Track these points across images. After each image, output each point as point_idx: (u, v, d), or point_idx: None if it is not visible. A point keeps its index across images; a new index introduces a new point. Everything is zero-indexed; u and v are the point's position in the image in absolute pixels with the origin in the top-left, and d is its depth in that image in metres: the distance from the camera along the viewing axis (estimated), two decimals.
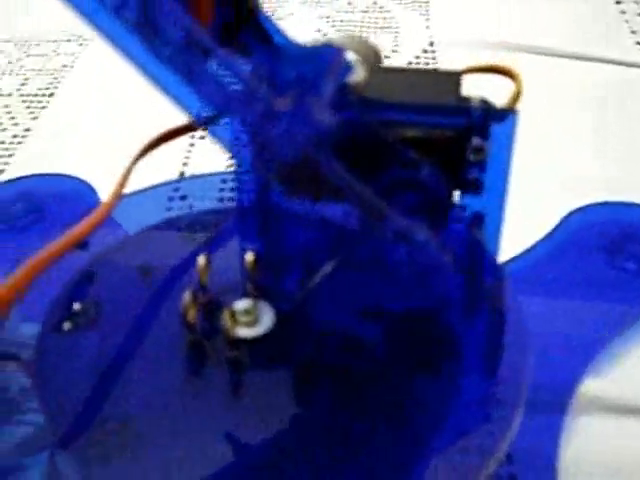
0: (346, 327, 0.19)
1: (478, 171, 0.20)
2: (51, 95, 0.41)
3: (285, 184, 0.18)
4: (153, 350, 0.19)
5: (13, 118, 0.39)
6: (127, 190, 0.20)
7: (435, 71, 0.22)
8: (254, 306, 0.20)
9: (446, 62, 0.41)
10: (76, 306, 0.20)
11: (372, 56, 0.19)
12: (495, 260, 0.20)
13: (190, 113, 0.16)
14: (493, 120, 0.19)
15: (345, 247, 0.18)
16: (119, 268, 0.21)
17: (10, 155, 0.36)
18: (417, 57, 0.42)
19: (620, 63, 0.41)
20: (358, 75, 0.18)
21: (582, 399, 0.26)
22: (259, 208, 0.20)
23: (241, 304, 0.20)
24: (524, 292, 0.30)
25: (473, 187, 0.20)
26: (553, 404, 0.26)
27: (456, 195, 0.20)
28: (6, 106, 0.40)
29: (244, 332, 0.19)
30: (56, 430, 0.18)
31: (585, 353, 0.27)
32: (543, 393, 0.26)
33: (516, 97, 0.24)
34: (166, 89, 0.16)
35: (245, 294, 0.20)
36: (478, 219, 0.20)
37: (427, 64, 0.40)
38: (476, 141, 0.19)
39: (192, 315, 0.19)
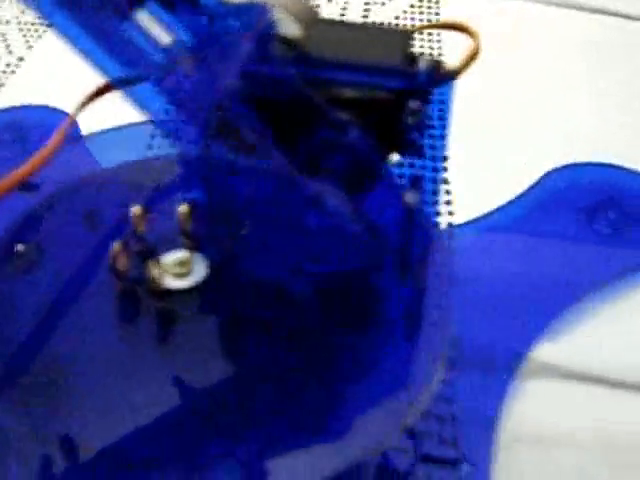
0: (276, 281, 0.20)
1: (416, 134, 0.20)
2: (49, 25, 0.41)
3: (214, 137, 0.18)
4: (87, 296, 0.20)
5: (8, 46, 0.39)
6: None
7: (385, 28, 0.22)
8: (186, 258, 0.20)
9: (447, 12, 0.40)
10: (19, 247, 0.21)
11: (306, 13, 0.19)
12: (427, 224, 0.20)
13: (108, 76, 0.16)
14: (434, 84, 0.19)
15: (272, 204, 0.18)
16: (64, 211, 0.22)
17: (1, 85, 0.37)
18: (412, 5, 0.40)
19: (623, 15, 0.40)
20: (293, 31, 0.18)
21: (533, 364, 0.26)
22: (200, 158, 0.20)
23: (172, 256, 0.20)
24: (491, 248, 0.30)
25: (411, 149, 0.20)
26: (503, 366, 0.26)
27: (395, 157, 0.20)
28: (2, 34, 0.40)
29: (174, 283, 0.20)
30: None
31: (541, 318, 0.27)
32: (494, 355, 0.26)
33: (473, 55, 0.23)
34: (87, 54, 0.16)
35: (180, 245, 0.20)
36: (416, 182, 0.20)
37: (422, 13, 0.39)
38: (414, 104, 0.19)
39: (122, 263, 0.19)
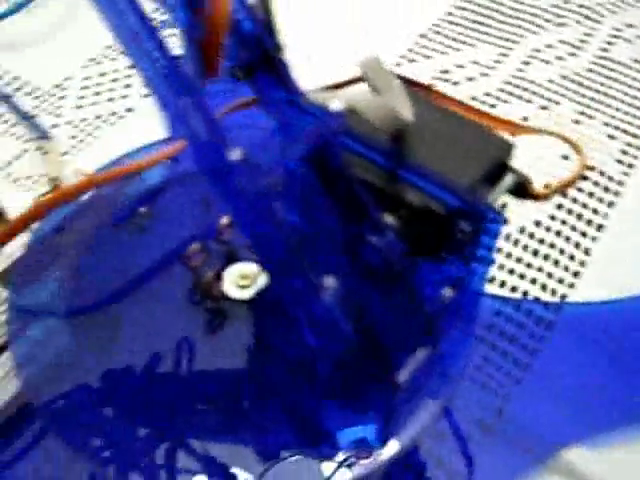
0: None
1: (466, 245, 0.21)
2: None
3: None
4: (168, 270, 0.24)
5: None
6: None
7: (486, 132, 0.22)
8: (251, 273, 0.23)
9: None
10: (141, 210, 0.26)
11: (390, 118, 0.20)
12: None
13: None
14: (484, 220, 0.20)
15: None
16: (181, 193, 0.26)
17: None
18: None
19: None
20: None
21: (560, 460, 0.27)
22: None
23: (241, 267, 0.24)
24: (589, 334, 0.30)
25: (460, 257, 0.21)
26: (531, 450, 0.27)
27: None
28: None
29: (232, 291, 0.23)
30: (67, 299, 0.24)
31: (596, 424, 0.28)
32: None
33: (571, 181, 0.23)
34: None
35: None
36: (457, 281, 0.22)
37: None
38: (464, 225, 0.20)
39: (196, 261, 0.24)
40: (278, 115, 0.19)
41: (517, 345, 0.30)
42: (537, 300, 0.31)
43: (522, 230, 0.34)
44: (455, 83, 0.41)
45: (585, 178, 0.36)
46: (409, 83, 0.27)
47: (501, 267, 0.33)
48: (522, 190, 0.22)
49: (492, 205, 0.20)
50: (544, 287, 0.32)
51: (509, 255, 0.33)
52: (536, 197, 0.22)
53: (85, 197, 0.26)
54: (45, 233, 0.26)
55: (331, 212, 0.19)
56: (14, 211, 0.27)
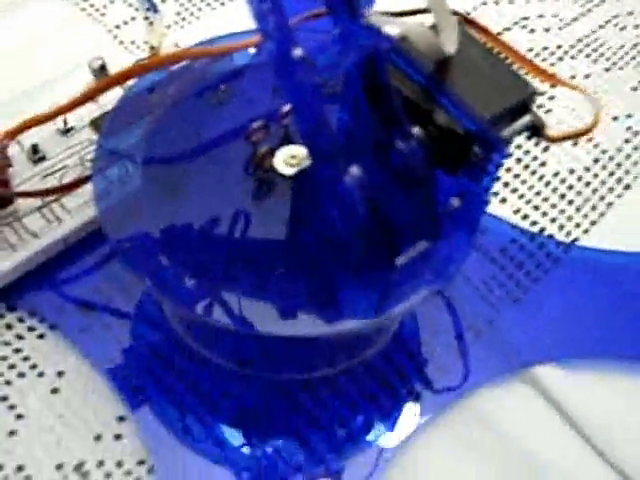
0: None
1: (476, 167, 0.25)
2: None
3: None
4: (236, 141, 0.29)
5: None
6: None
7: (516, 74, 0.26)
8: (300, 154, 0.28)
9: None
10: (222, 87, 0.30)
11: (435, 50, 0.24)
12: None
13: None
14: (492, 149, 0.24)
15: None
16: (257, 80, 0.31)
17: None
18: None
19: None
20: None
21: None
22: None
23: (293, 148, 0.28)
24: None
25: (471, 175, 0.26)
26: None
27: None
28: None
29: (281, 168, 0.28)
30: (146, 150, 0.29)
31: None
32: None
33: (585, 131, 0.27)
34: None
35: None
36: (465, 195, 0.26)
37: None
38: (477, 149, 0.25)
39: (257, 137, 0.28)
40: (342, 26, 0.23)
41: (523, 270, 0.34)
42: (551, 237, 0.35)
43: (556, 174, 0.38)
44: (532, 31, 0.44)
45: (627, 141, 0.39)
46: (466, 21, 0.31)
47: (528, 202, 0.37)
48: (537, 131, 0.26)
49: (502, 138, 0.24)
50: (561, 227, 0.36)
51: (538, 193, 0.37)
52: (547, 139, 0.26)
53: (177, 67, 0.31)
54: (137, 91, 0.31)
55: (370, 116, 0.24)
56: (115, 68, 0.32)
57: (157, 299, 0.31)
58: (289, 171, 0.28)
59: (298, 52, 0.22)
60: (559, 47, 0.43)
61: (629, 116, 0.40)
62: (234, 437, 0.30)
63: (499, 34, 0.43)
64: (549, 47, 0.43)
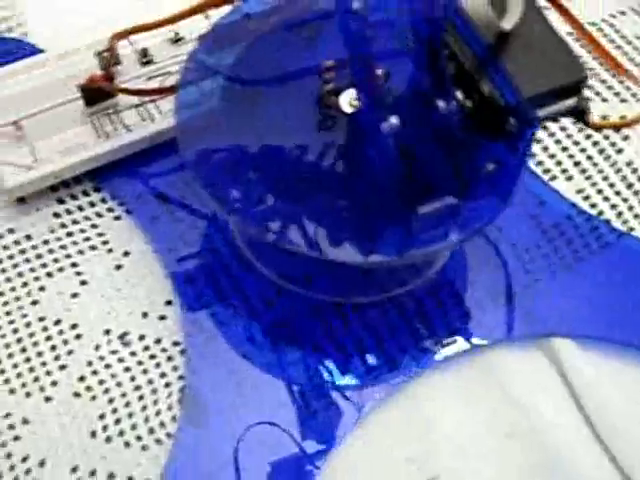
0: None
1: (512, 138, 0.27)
2: None
3: None
4: (308, 77, 0.32)
5: None
6: None
7: (574, 55, 0.27)
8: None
9: None
10: (312, 23, 0.33)
11: (492, 26, 0.26)
12: None
13: None
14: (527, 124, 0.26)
15: None
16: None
17: None
18: None
19: None
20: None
21: None
22: None
23: (352, 91, 0.31)
24: None
25: (507, 145, 0.28)
26: None
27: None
28: None
29: (344, 106, 0.31)
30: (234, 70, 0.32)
31: None
32: None
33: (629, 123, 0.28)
34: None
35: None
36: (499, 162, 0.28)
37: None
38: (513, 121, 0.27)
39: (329, 75, 0.31)
40: None
41: (571, 247, 0.36)
42: (607, 222, 0.37)
43: (629, 163, 0.39)
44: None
45: None
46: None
47: (593, 184, 0.38)
48: (580, 115, 0.27)
49: (537, 116, 0.26)
50: (619, 214, 0.37)
51: (605, 178, 0.38)
52: (588, 125, 0.27)
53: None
54: (236, 17, 0.34)
55: (418, 71, 0.26)
56: None
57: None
58: (348, 109, 0.30)
59: (355, 4, 0.24)
60: None
61: None
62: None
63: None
64: None
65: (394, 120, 0.26)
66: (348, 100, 0.31)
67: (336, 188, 0.30)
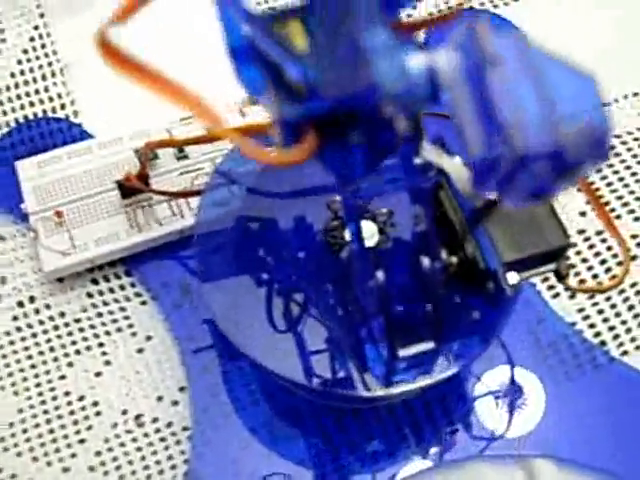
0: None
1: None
2: None
3: None
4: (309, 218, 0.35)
5: None
6: None
7: (554, 222, 0.29)
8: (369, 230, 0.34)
9: None
10: None
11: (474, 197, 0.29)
12: None
13: None
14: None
15: None
16: None
17: None
18: None
19: None
20: None
21: None
22: None
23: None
24: None
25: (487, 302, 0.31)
26: None
27: None
28: None
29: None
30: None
31: None
32: None
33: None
34: None
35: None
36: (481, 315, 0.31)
37: None
38: (491, 285, 0.30)
39: (334, 207, 0.34)
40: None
41: (563, 367, 0.39)
42: (602, 343, 0.39)
43: (633, 285, 0.41)
44: None
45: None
46: None
47: (594, 304, 0.40)
48: (559, 278, 0.30)
49: (511, 285, 0.29)
50: (615, 337, 0.40)
51: (613, 306, 0.40)
52: (568, 288, 0.30)
53: None
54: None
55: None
56: None
57: None
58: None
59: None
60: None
61: None
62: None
63: None
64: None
65: (381, 274, 0.29)
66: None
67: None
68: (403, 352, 0.31)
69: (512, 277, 0.29)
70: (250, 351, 0.33)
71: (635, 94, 0.46)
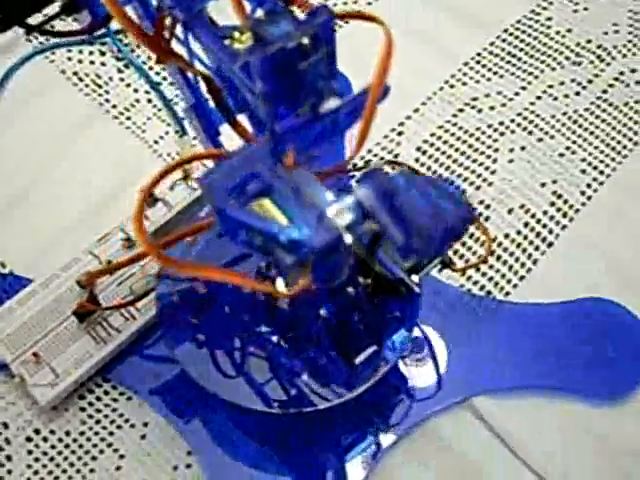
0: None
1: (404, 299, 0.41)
2: None
3: None
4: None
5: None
6: None
7: None
8: None
9: None
10: None
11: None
12: None
13: None
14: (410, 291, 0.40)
15: None
16: None
17: None
18: None
19: None
20: None
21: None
22: None
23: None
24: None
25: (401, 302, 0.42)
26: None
27: None
28: None
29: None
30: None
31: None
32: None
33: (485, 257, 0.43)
34: None
35: None
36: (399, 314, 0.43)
37: None
38: (402, 288, 0.41)
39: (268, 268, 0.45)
40: None
41: (464, 321, 0.50)
42: (488, 293, 0.51)
43: (495, 239, 0.53)
44: (479, 110, 0.59)
45: (553, 204, 0.54)
46: None
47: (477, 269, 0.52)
48: (446, 266, 0.42)
49: (414, 283, 0.40)
50: (496, 284, 0.52)
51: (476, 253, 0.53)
52: (454, 270, 0.42)
53: None
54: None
55: None
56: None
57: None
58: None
59: None
60: (501, 123, 0.58)
61: (554, 182, 0.55)
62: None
63: (454, 115, 0.58)
64: (493, 124, 0.58)
65: (324, 312, 0.40)
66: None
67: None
68: (357, 359, 0.41)
69: (414, 278, 0.40)
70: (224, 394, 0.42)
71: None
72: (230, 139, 0.38)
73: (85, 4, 0.34)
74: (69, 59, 0.61)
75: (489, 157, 0.56)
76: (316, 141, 0.27)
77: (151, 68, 0.60)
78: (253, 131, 0.37)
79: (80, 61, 0.61)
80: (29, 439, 0.47)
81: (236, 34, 0.28)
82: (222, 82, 0.35)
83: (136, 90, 0.59)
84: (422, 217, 0.26)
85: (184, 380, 0.47)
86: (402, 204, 0.26)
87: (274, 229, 0.26)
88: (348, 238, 0.27)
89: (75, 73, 0.60)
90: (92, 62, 0.61)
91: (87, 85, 0.60)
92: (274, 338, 0.44)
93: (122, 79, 0.60)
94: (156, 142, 0.58)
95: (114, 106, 0.59)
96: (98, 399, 0.49)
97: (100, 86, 0.60)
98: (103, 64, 0.60)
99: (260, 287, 0.36)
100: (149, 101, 0.59)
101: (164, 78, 0.60)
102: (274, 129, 0.26)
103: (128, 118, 0.59)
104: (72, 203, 0.55)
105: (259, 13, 0.28)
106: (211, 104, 0.37)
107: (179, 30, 0.34)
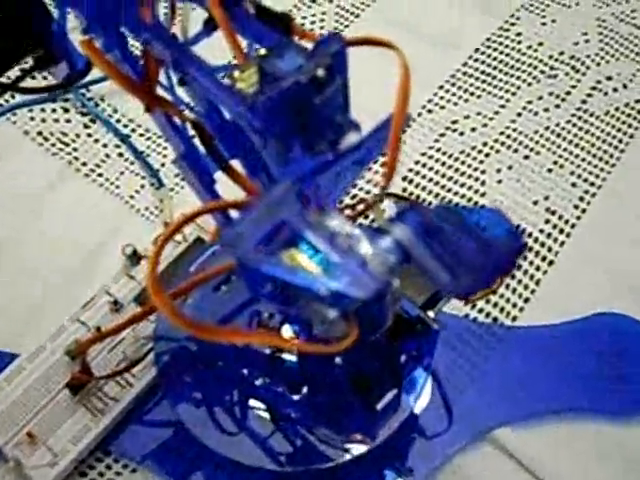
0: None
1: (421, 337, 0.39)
2: None
3: None
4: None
5: None
6: None
7: None
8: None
9: None
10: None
11: None
12: None
13: None
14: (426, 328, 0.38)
15: None
16: None
17: None
18: None
19: None
20: None
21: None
22: None
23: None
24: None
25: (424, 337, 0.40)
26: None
27: None
28: None
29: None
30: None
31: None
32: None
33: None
34: None
35: None
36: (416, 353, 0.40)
37: None
38: (419, 326, 0.39)
39: (266, 324, 0.42)
40: None
41: (474, 352, 0.48)
42: (495, 320, 0.49)
43: None
44: (461, 133, 0.57)
45: (547, 222, 0.53)
46: None
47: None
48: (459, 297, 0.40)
49: (431, 319, 0.38)
50: (502, 310, 0.50)
51: None
52: (466, 302, 0.40)
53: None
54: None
55: None
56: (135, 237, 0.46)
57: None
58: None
59: None
60: (485, 144, 0.56)
61: (546, 198, 0.54)
62: None
63: (436, 140, 0.56)
64: (476, 146, 0.56)
65: (339, 360, 0.38)
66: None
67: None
68: (379, 405, 0.39)
69: (430, 313, 0.38)
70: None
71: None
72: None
73: (63, 55, 0.31)
74: (32, 119, 0.58)
75: (477, 180, 0.54)
76: (337, 179, 0.25)
77: (118, 121, 0.58)
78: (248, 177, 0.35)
79: (43, 120, 0.58)
80: None
81: (236, 73, 0.26)
82: (212, 128, 0.33)
83: (105, 145, 0.57)
84: (466, 252, 0.24)
85: (190, 443, 0.44)
86: (443, 240, 0.24)
87: (312, 281, 0.23)
88: (396, 282, 0.24)
89: (39, 133, 0.57)
90: (56, 120, 0.58)
91: (53, 144, 0.57)
92: (280, 389, 0.41)
93: (89, 134, 0.57)
94: (132, 197, 0.55)
95: (84, 164, 0.56)
96: (101, 475, 0.46)
97: (67, 144, 0.57)
98: (68, 121, 0.58)
99: (309, 348, 0.33)
100: (120, 155, 0.56)
101: (133, 130, 0.57)
102: (296, 173, 0.24)
103: (100, 175, 0.56)
104: (51, 268, 0.52)
105: (262, 51, 0.26)
106: (202, 150, 0.35)
107: (162, 77, 0.32)
